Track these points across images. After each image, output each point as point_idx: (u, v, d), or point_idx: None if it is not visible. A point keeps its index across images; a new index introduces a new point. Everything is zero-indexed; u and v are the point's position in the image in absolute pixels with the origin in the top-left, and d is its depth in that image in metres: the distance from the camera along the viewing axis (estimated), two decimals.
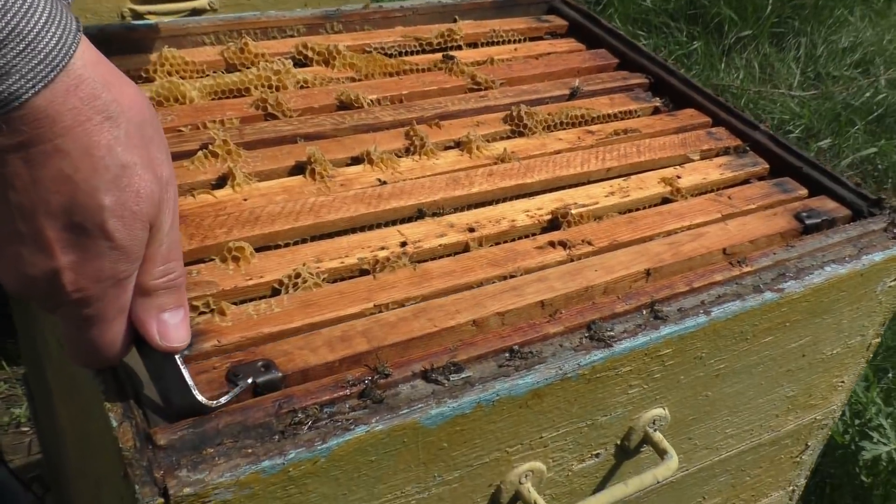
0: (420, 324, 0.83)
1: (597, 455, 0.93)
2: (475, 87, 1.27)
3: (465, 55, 1.35)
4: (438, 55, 1.33)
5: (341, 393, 0.73)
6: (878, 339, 1.13)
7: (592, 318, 0.86)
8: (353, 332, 0.81)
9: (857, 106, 3.68)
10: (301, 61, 1.25)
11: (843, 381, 1.15)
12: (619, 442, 0.94)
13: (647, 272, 0.96)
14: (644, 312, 0.89)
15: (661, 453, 0.93)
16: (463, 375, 0.78)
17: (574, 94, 1.29)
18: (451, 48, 1.37)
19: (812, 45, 4.14)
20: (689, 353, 0.91)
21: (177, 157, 1.00)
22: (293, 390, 0.72)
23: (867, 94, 3.74)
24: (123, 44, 1.17)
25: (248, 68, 1.19)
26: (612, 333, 0.85)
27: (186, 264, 0.85)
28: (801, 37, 4.16)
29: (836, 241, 1.02)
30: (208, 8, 1.87)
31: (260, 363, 0.76)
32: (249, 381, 0.72)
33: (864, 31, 4.25)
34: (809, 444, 1.22)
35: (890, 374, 2.18)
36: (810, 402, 1.14)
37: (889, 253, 1.02)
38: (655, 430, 0.94)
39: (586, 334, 0.85)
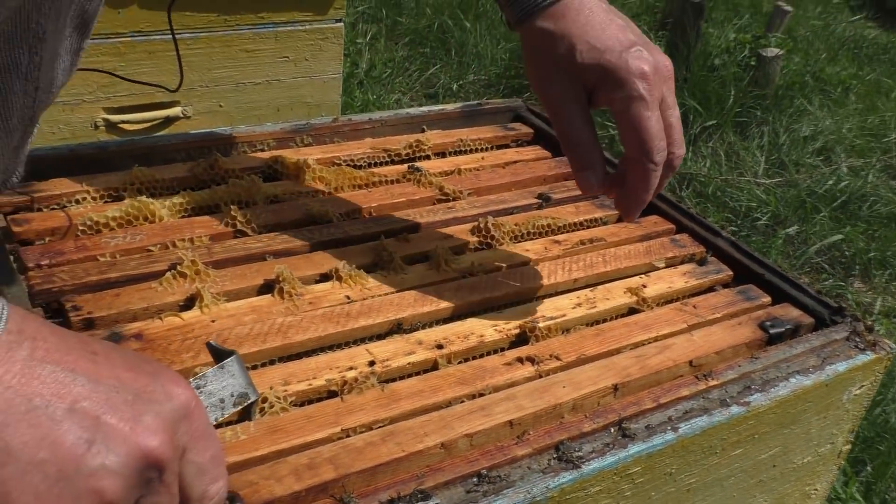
0: (388, 448, 0.83)
1: None
2: (443, 197, 1.29)
3: (433, 165, 1.38)
4: (407, 166, 1.36)
5: None
6: (849, 446, 1.14)
7: (560, 438, 0.86)
8: (320, 460, 0.81)
9: (821, 193, 3.77)
10: (271, 175, 1.27)
11: (816, 489, 1.15)
12: None
13: (615, 387, 0.96)
14: (612, 430, 0.89)
15: None
16: (430, 503, 0.77)
17: (543, 204, 1.32)
18: (420, 158, 1.40)
19: (775, 133, 4.27)
20: (659, 470, 0.91)
21: (146, 277, 1.01)
22: None
23: (830, 182, 3.85)
24: (94, 163, 1.19)
25: (217, 185, 1.20)
26: (580, 454, 0.85)
27: None
28: (764, 126, 4.29)
29: (799, 352, 1.03)
30: (181, 115, 1.90)
31: (226, 496, 0.74)
32: None
33: (823, 119, 4.39)
34: None
35: (868, 467, 2.17)
36: None
37: (852, 363, 1.03)
38: None
39: (554, 455, 0.85)
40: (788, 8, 5.22)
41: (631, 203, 0.97)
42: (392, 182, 1.31)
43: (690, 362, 1.01)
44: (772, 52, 4.46)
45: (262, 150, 1.33)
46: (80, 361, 0.57)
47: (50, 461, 0.53)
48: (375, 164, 1.36)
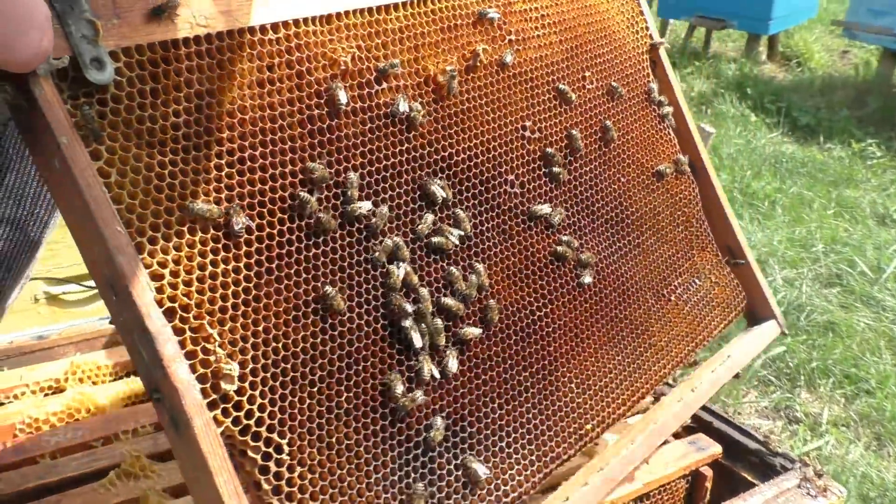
0: None
1: None
2: None
3: None
4: None
5: None
6: None
7: None
8: None
9: None
10: None
11: None
12: None
13: None
14: None
15: None
16: None
17: None
18: None
19: None
20: None
21: (87, 478, 0.98)
22: None
23: None
24: (34, 353, 1.17)
25: None
26: None
27: None
28: None
29: None
30: None
31: None
32: None
33: (754, 233, 4.56)
34: None
35: None
36: None
37: None
38: None
39: None
40: (711, 129, 5.48)
41: None
42: None
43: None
44: None
45: None
46: None
47: None
48: None
